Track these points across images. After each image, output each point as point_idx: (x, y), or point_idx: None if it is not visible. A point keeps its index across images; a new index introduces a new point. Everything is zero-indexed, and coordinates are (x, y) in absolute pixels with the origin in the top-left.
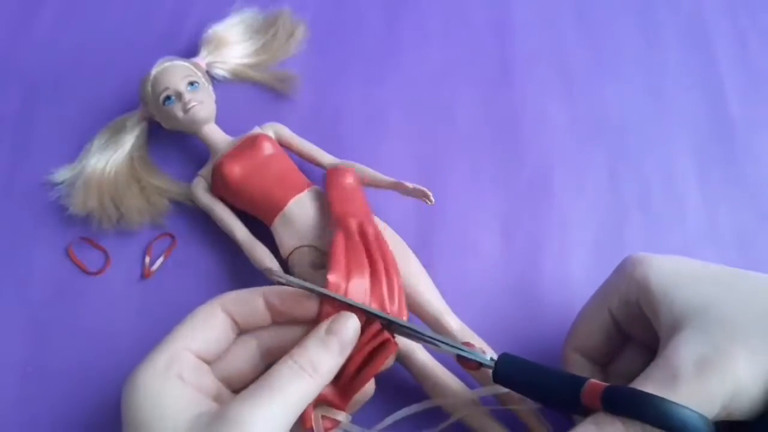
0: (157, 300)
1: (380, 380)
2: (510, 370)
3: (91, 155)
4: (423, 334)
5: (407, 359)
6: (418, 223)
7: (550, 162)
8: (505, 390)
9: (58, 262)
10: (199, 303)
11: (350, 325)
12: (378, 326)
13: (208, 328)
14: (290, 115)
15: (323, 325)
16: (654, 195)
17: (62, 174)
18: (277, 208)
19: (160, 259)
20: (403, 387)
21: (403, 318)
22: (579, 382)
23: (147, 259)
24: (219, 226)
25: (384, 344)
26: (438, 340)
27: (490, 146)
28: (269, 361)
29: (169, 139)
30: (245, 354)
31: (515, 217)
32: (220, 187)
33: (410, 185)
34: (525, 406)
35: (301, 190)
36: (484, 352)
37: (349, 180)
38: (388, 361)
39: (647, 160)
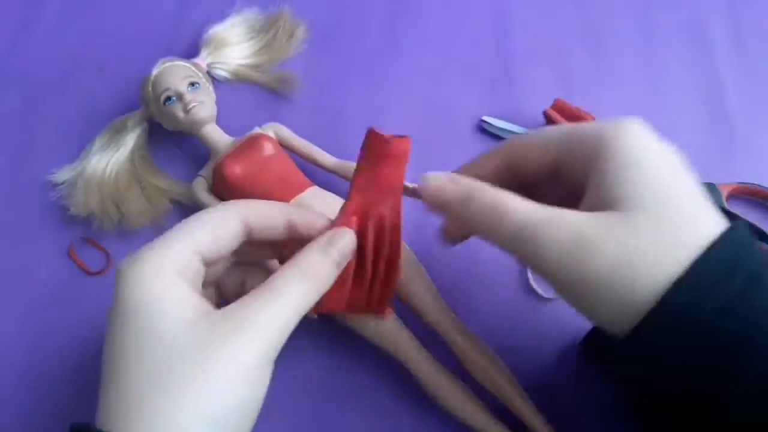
0: None
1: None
2: None
3: (91, 155)
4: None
5: (411, 365)
6: (417, 223)
7: None
8: None
9: (59, 263)
10: None
11: (348, 238)
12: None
13: (219, 235)
14: (290, 115)
15: (324, 237)
16: None
17: (63, 174)
18: None
19: None
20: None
21: (386, 310)
22: None
23: None
24: None
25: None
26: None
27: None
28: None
29: (170, 140)
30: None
31: None
32: (220, 188)
33: (410, 185)
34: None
35: (302, 190)
36: None
37: None
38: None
39: None
